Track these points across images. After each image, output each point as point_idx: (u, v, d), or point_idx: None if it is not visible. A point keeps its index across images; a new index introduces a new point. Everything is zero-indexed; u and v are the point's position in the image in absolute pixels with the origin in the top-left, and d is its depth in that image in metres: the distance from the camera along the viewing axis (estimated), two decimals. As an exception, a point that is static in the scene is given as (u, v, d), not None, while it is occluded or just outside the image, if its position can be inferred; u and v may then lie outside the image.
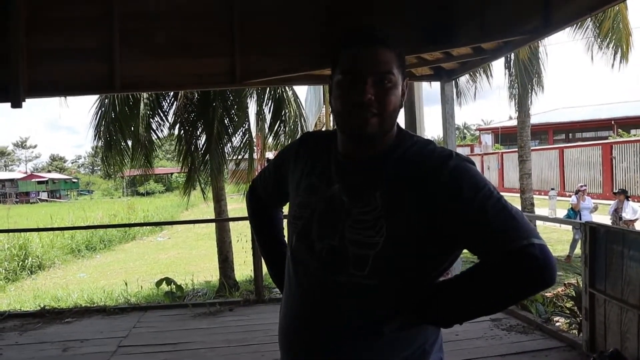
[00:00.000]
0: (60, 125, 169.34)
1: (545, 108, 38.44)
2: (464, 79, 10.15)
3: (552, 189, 15.95)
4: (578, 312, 4.48)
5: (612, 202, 11.20)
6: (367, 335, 1.16)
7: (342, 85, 1.18)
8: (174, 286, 6.11)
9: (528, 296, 1.16)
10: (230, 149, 8.77)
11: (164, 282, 6.08)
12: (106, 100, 7.97)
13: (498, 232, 1.07)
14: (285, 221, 1.41)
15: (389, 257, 1.13)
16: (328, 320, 1.18)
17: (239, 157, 8.85)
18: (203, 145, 8.43)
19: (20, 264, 13.50)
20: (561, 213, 12.38)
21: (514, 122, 16.86)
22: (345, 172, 1.22)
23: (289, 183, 1.36)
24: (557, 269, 1.08)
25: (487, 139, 38.60)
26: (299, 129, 9.01)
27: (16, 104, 4.51)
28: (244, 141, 8.71)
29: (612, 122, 30.03)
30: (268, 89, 8.52)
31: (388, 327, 1.16)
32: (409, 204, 1.13)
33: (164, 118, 8.68)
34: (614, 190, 11.92)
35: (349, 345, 1.16)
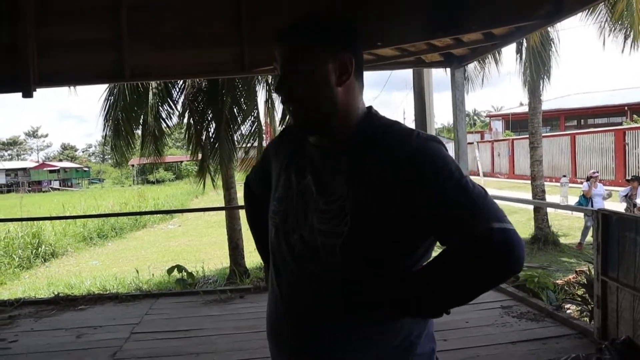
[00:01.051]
0: (70, 115, 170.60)
1: (557, 94, 38.02)
2: (471, 66, 10.04)
3: (564, 176, 15.82)
4: (589, 300, 4.47)
5: (623, 188, 11.10)
6: (344, 328, 1.13)
7: None
8: (185, 273, 6.16)
9: (496, 284, 1.10)
10: (239, 137, 8.78)
11: (176, 269, 6.13)
12: (115, 89, 8.01)
13: (457, 218, 1.03)
14: None
15: (356, 246, 1.10)
16: (306, 313, 1.18)
17: (249, 145, 8.87)
18: (213, 134, 8.46)
19: (33, 252, 13.65)
20: (573, 200, 12.29)
21: (525, 109, 16.69)
22: (314, 161, 1.22)
23: (272, 179, 1.36)
24: (524, 252, 1.03)
25: (498, 125, 38.27)
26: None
27: (27, 94, 4.54)
28: (253, 129, 8.72)
29: (626, 107, 29.61)
30: (276, 76, 8.49)
31: (365, 320, 1.13)
32: (372, 190, 1.09)
33: (173, 107, 8.72)
34: (627, 177, 11.79)
35: (328, 338, 1.15)
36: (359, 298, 1.12)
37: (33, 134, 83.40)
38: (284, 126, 8.90)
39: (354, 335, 1.13)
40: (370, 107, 1.22)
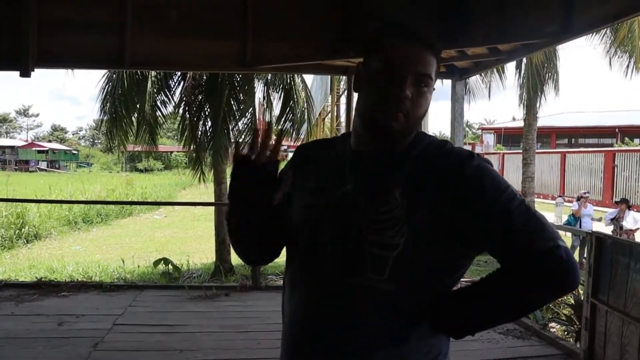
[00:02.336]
0: (63, 95, 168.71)
1: (551, 112, 38.32)
2: (474, 78, 10.07)
3: (560, 196, 15.91)
4: (576, 320, 4.48)
5: (610, 209, 11.17)
6: (386, 345, 1.11)
7: (379, 75, 1.12)
8: (171, 266, 6.10)
9: (552, 300, 1.15)
10: (235, 133, 8.72)
11: (162, 262, 6.07)
12: (114, 75, 7.91)
13: (523, 234, 1.04)
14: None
15: (409, 259, 1.08)
16: (346, 328, 1.12)
17: (244, 140, 8.80)
18: (209, 128, 8.41)
19: (16, 232, 13.47)
20: (563, 219, 12.37)
21: (517, 124, 16.82)
22: (361, 170, 1.16)
23: (295, 186, 1.24)
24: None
25: (490, 138, 38.51)
26: (305, 117, 8.98)
27: (25, 74, 4.47)
28: (249, 125, 8.66)
29: (617, 129, 29.95)
30: (278, 75, 8.48)
31: (408, 336, 1.11)
32: (431, 204, 1.08)
33: (170, 97, 8.63)
34: (615, 200, 11.87)
35: (368, 354, 1.11)
36: (404, 312, 1.10)
37: (24, 113, 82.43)
38: (280, 125, 8.91)
39: (396, 352, 1.11)
40: None
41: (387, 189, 1.12)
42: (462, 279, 1.21)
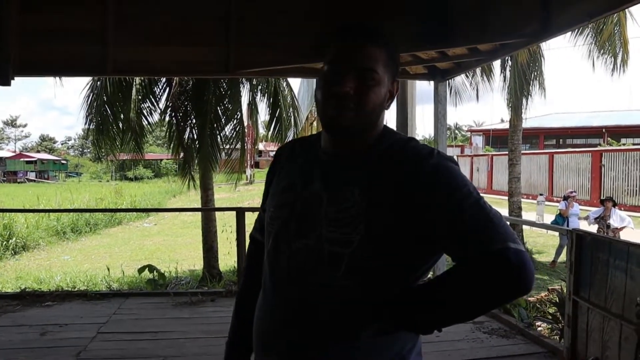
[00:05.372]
0: (52, 106, 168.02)
1: (538, 113, 38.62)
2: (459, 80, 10.12)
3: (541, 195, 16.03)
4: (560, 319, 4.49)
5: (594, 209, 11.22)
6: (343, 340, 1.12)
7: (324, 76, 1.16)
8: (157, 274, 6.07)
9: (503, 302, 1.12)
10: (222, 138, 8.71)
11: (147, 269, 6.03)
12: (98, 82, 7.88)
13: (474, 233, 1.04)
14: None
15: (365, 256, 1.10)
16: (305, 323, 1.15)
17: (231, 146, 8.79)
18: (197, 134, 8.39)
19: (4, 243, 13.35)
20: (549, 218, 12.44)
21: (505, 125, 16.90)
22: (326, 168, 1.20)
23: (271, 188, 1.33)
24: (534, 275, 1.04)
25: (478, 140, 38.68)
26: (292, 121, 8.98)
27: (4, 82, 4.42)
28: (237, 131, 8.65)
29: (603, 130, 30.21)
30: (263, 80, 8.49)
31: (364, 332, 1.12)
32: (388, 202, 1.10)
33: (155, 104, 8.61)
34: (601, 198, 11.94)
35: (326, 349, 1.13)
36: (361, 309, 1.12)
37: (11, 123, 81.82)
38: (269, 132, 8.91)
39: (351, 348, 1.12)
40: (385, 125, 1.23)
41: (346, 187, 1.13)
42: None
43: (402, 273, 1.14)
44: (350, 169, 1.16)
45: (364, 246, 1.09)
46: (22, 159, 58.73)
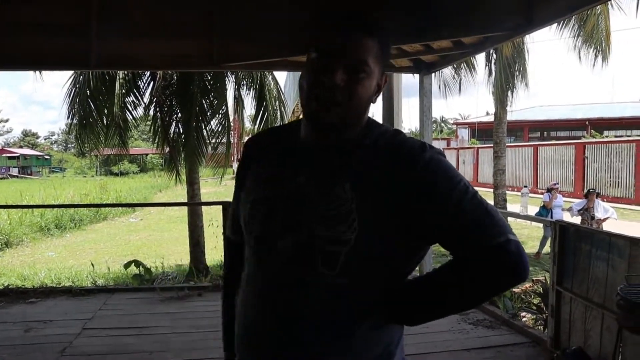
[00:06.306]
0: (34, 100, 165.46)
1: (523, 105, 38.94)
2: (448, 72, 10.16)
3: (525, 187, 16.18)
4: (544, 309, 4.55)
5: (577, 201, 11.33)
6: (338, 337, 1.10)
7: (313, 64, 1.10)
8: (143, 269, 6.03)
9: (502, 292, 1.16)
10: (208, 132, 8.66)
11: (133, 264, 5.99)
12: (81, 77, 7.78)
13: (475, 228, 1.05)
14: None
15: (361, 254, 1.07)
16: (296, 321, 1.11)
17: (217, 140, 8.74)
18: (182, 128, 8.33)
19: (-15, 240, 13.19)
20: (533, 210, 12.56)
21: (490, 118, 17.04)
22: (311, 161, 1.14)
23: (246, 182, 1.25)
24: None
25: (464, 133, 38.91)
26: (278, 115, 8.95)
27: (-16, 76, 4.36)
28: (222, 125, 8.60)
29: (587, 122, 30.55)
30: (249, 73, 8.45)
31: (359, 328, 1.10)
32: (382, 197, 1.07)
33: (139, 98, 8.52)
34: (585, 192, 12.08)
35: (318, 346, 1.10)
36: (356, 305, 1.10)
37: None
38: (255, 125, 8.87)
39: (345, 344, 1.10)
40: (369, 116, 1.19)
41: (336, 183, 1.09)
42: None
43: (396, 269, 1.13)
44: (337, 162, 1.12)
45: (360, 244, 1.06)
46: (4, 155, 57.86)
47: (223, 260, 5.51)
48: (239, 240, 1.28)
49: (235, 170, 1.32)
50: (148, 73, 8.17)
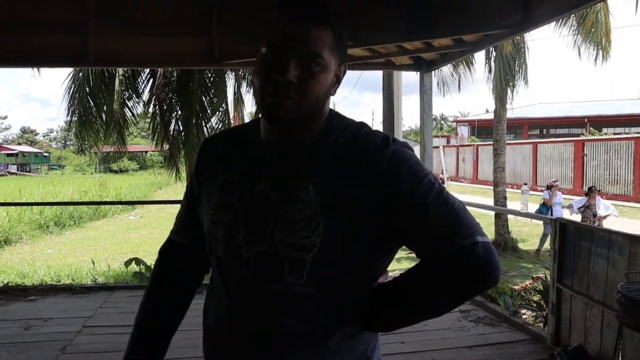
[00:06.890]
0: (33, 97, 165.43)
1: (522, 103, 38.96)
2: (447, 70, 10.14)
3: (525, 184, 16.20)
4: (545, 306, 4.56)
5: (577, 198, 11.34)
6: (309, 349, 1.05)
7: (264, 59, 1.02)
8: (144, 266, 6.03)
9: (472, 296, 1.08)
10: (209, 129, 8.66)
11: (133, 262, 5.99)
12: (80, 73, 7.77)
13: (440, 228, 0.98)
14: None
15: (328, 260, 1.00)
16: (265, 334, 1.05)
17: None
18: (182, 126, 8.33)
19: (-16, 238, 13.19)
20: (533, 207, 12.58)
21: (490, 115, 17.05)
22: (270, 163, 1.07)
23: (202, 191, 1.18)
24: (501, 264, 1.01)
25: (464, 130, 38.94)
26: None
27: (-17, 74, 4.35)
28: (222, 122, 8.60)
29: (585, 119, 30.57)
30: (249, 70, 8.44)
31: (331, 338, 1.05)
32: (346, 198, 1.00)
33: (139, 95, 8.51)
34: (585, 190, 12.08)
35: (288, 358, 1.05)
36: (327, 316, 1.04)
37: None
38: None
39: (318, 356, 1.05)
40: (331, 109, 1.13)
41: (298, 184, 1.03)
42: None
43: (365, 273, 1.08)
44: (298, 162, 1.05)
45: (326, 249, 1.00)
46: (2, 152, 57.77)
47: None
48: (185, 244, 1.25)
49: (192, 173, 1.25)
50: (148, 70, 8.17)
